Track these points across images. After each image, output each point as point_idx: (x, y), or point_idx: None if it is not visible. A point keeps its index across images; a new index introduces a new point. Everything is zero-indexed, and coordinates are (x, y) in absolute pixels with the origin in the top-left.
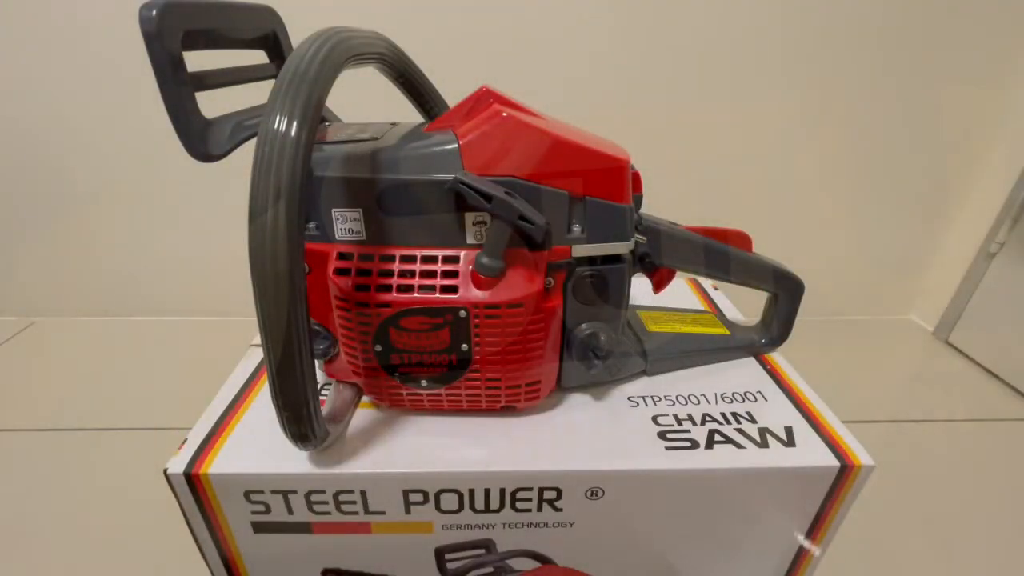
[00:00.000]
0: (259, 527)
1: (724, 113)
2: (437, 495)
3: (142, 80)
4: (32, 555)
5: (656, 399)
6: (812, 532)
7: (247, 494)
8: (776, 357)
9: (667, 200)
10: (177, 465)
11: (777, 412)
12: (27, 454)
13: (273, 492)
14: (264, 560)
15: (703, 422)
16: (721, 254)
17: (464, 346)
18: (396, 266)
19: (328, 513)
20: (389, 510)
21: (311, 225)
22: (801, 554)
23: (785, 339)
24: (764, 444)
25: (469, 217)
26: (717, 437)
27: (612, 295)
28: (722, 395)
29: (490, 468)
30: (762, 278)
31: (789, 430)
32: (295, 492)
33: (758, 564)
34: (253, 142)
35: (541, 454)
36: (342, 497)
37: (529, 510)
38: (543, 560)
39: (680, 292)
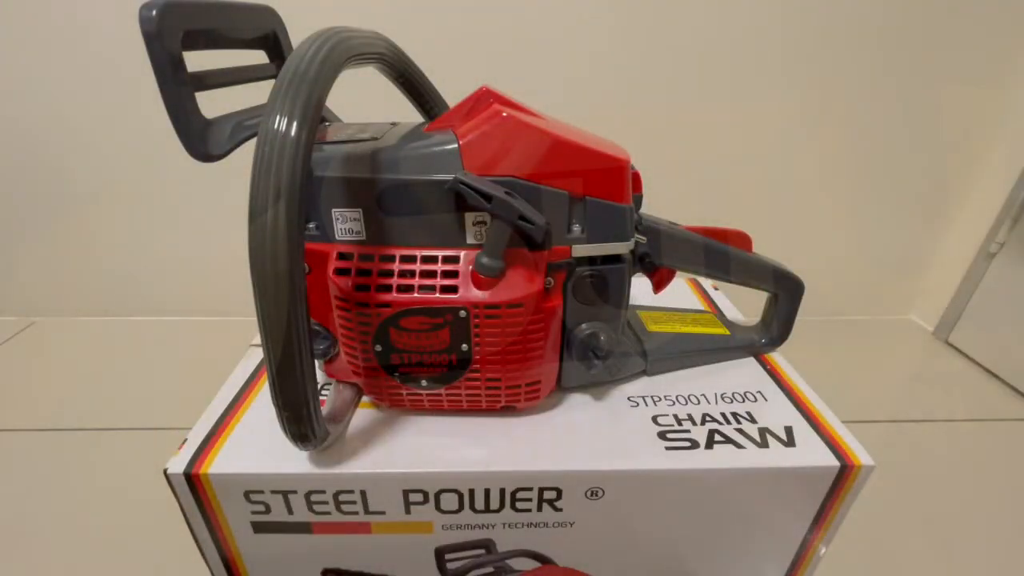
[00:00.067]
0: (259, 527)
1: (724, 113)
2: (437, 495)
3: (142, 80)
4: (32, 555)
5: (656, 399)
6: (812, 532)
7: (247, 494)
8: (776, 357)
9: (667, 200)
10: (177, 465)
11: (777, 412)
12: (27, 454)
13: (273, 492)
14: (264, 560)
15: (703, 422)
16: (721, 254)
17: (464, 346)
18: (396, 266)
19: (328, 513)
20: (389, 510)
21: (311, 225)
22: (801, 554)
23: (785, 339)
24: (764, 444)
25: (469, 217)
26: (717, 437)
27: (612, 295)
28: (722, 395)
29: (490, 468)
30: (762, 278)
31: (789, 430)
32: (295, 492)
33: (758, 564)
34: (253, 142)
35: (541, 454)
36: (342, 497)
37: (529, 510)
38: (543, 560)
39: (680, 292)
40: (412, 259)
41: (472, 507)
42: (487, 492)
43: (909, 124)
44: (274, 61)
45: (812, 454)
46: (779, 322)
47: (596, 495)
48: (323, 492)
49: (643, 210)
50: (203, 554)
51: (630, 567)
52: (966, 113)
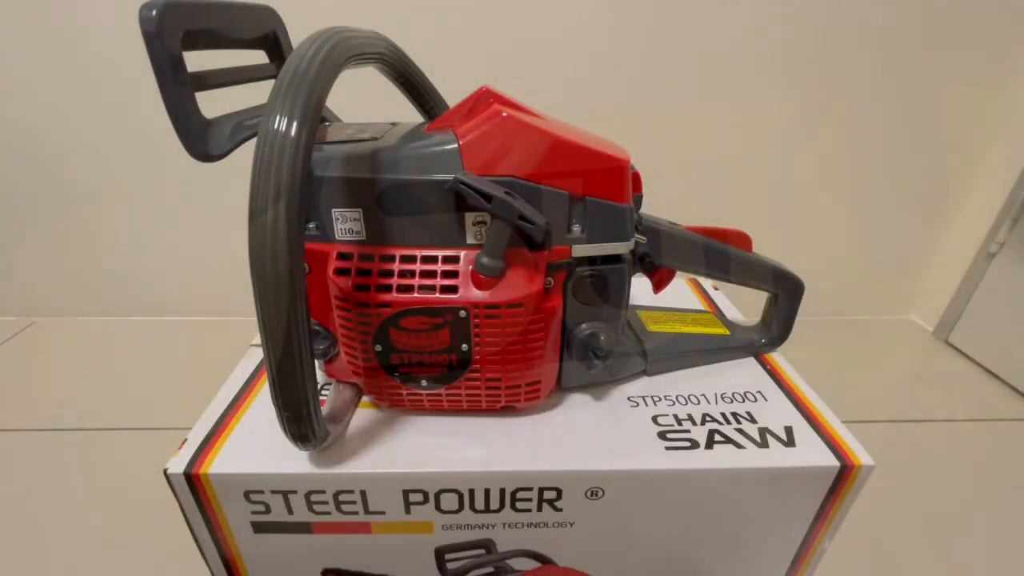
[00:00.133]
0: (259, 527)
1: (724, 113)
2: (437, 495)
3: (142, 80)
4: (32, 555)
5: (656, 399)
6: (812, 532)
7: (247, 494)
8: (776, 357)
9: (667, 200)
10: (177, 465)
11: (777, 412)
12: (27, 454)
13: (273, 492)
14: (264, 560)
15: (703, 422)
16: (721, 254)
17: (464, 346)
18: (396, 266)
19: (328, 513)
20: (389, 510)
21: (311, 225)
22: (801, 554)
23: (785, 339)
24: (764, 444)
25: (469, 217)
26: (717, 437)
27: (612, 295)
28: (722, 395)
29: (490, 468)
30: (762, 278)
31: (789, 430)
32: (295, 492)
33: (758, 564)
34: (253, 142)
35: (541, 454)
36: (342, 497)
37: (529, 510)
38: (543, 560)
39: (680, 292)
40: (412, 259)
41: (472, 507)
42: (487, 492)
43: (909, 124)
44: (274, 61)
45: (812, 454)
46: (779, 322)
47: (596, 495)
48: (323, 492)
49: (643, 210)
50: (203, 554)
51: (630, 567)
52: (966, 113)
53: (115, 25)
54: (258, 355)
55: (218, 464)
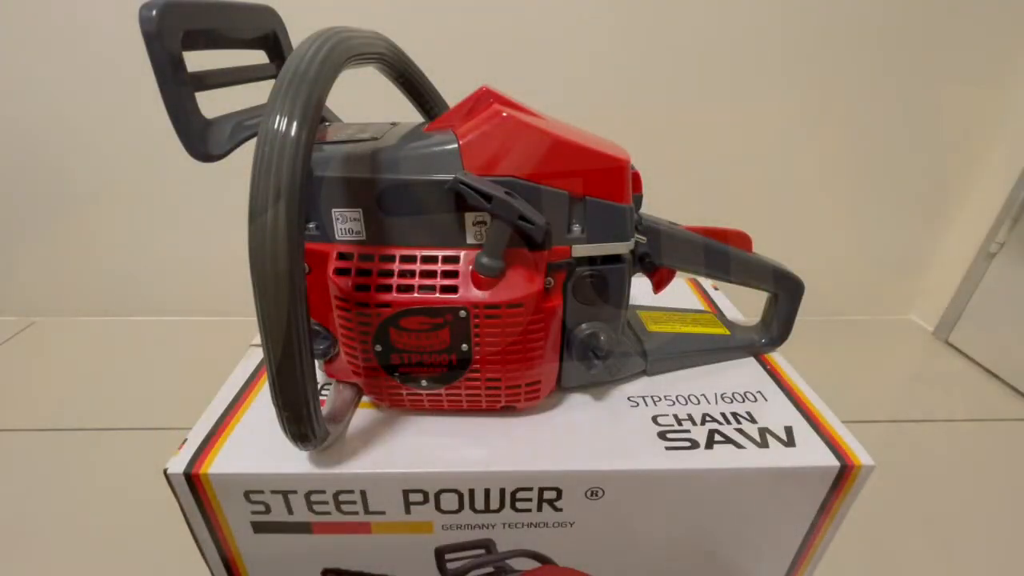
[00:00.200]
0: (259, 527)
1: (724, 113)
2: (437, 495)
3: (142, 80)
4: (32, 555)
5: (656, 399)
6: (812, 532)
7: (247, 494)
8: (776, 357)
9: (667, 200)
10: (177, 465)
11: (777, 412)
12: (27, 454)
13: (273, 492)
14: (264, 560)
15: (703, 422)
16: (721, 254)
17: (464, 346)
18: (396, 266)
19: (328, 513)
20: (389, 510)
21: (311, 225)
22: (801, 554)
23: (785, 339)
24: (764, 444)
25: (469, 217)
26: (717, 437)
27: (612, 295)
28: (722, 395)
29: (490, 468)
30: (762, 278)
31: (789, 430)
32: (295, 492)
33: (758, 564)
34: (253, 142)
35: (541, 454)
36: (342, 497)
37: (529, 510)
38: (543, 560)
39: (680, 292)
40: (412, 259)
41: (472, 507)
42: (487, 492)
43: (909, 124)
44: (274, 61)
45: (812, 454)
46: (779, 322)
47: (596, 495)
48: (323, 492)
49: (643, 210)
50: (203, 554)
51: (630, 567)
52: (966, 113)
53: (115, 25)
54: (258, 355)
55: (218, 464)
